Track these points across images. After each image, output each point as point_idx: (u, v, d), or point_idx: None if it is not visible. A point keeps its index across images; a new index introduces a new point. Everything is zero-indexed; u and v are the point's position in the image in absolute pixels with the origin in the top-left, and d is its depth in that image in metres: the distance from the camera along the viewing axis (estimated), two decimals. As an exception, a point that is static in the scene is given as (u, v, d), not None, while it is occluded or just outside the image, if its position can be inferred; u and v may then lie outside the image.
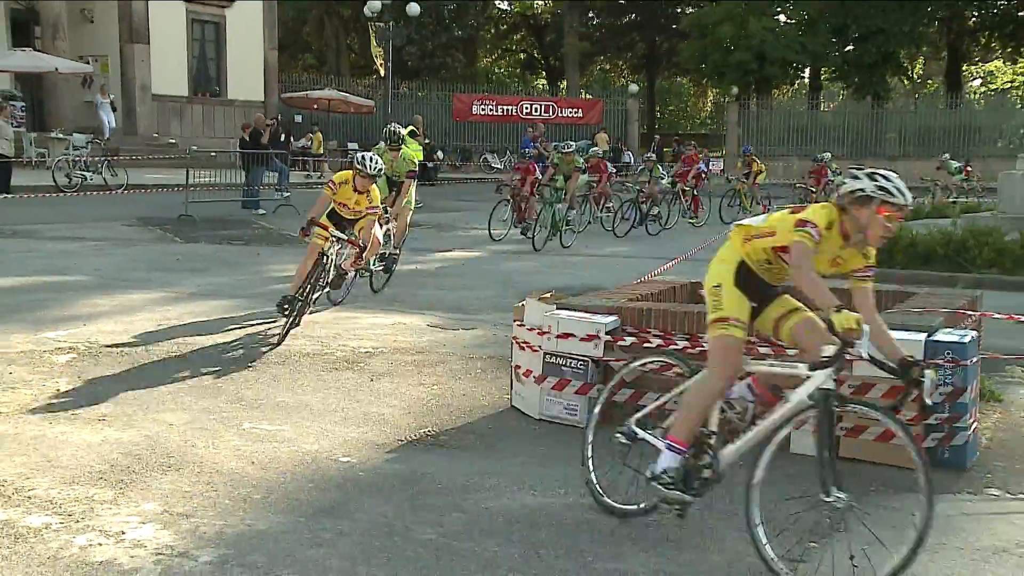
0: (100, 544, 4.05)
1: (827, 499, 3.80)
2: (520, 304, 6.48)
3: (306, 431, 5.68)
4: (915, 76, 51.53)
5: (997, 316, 6.83)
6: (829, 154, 22.54)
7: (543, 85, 57.34)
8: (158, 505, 4.47)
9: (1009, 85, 54.50)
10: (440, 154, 32.06)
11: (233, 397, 6.35)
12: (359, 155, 8.38)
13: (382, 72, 36.32)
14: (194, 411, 5.99)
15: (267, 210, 19.37)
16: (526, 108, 39.56)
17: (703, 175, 21.55)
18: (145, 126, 30.36)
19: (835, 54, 42.44)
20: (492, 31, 55.04)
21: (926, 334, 5.29)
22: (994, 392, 6.62)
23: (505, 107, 39.89)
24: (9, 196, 19.39)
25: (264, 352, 7.57)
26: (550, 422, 5.98)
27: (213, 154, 23.46)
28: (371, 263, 9.74)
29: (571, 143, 18.22)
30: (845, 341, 3.82)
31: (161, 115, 31.26)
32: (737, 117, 39.42)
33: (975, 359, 5.39)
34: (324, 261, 8.23)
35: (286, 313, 7.97)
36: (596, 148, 22.30)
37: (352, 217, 8.67)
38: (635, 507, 4.42)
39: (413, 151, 23.73)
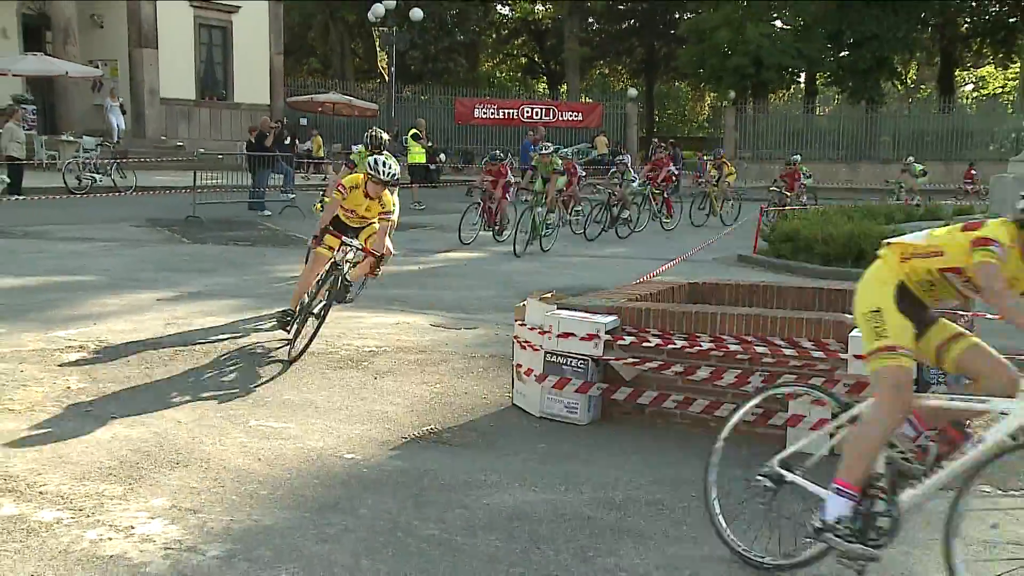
0: (110, 539, 4.05)
1: None
2: (521, 304, 6.49)
3: (311, 428, 5.68)
4: (909, 81, 51.51)
5: (989, 316, 6.82)
6: (799, 156, 22.34)
7: (544, 89, 57.37)
8: (167, 501, 4.48)
9: (1000, 90, 54.54)
10: (442, 157, 32.04)
11: (240, 395, 6.35)
12: (371, 159, 7.63)
13: (386, 76, 36.30)
14: (201, 409, 5.99)
15: (273, 211, 19.37)
16: (527, 112, 39.55)
17: (673, 177, 21.21)
18: (153, 129, 30.38)
19: (830, 59, 42.45)
20: (494, 36, 55.04)
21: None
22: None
23: (506, 111, 39.88)
24: (21, 198, 19.39)
25: (270, 351, 7.57)
26: (551, 420, 5.98)
27: (220, 156, 23.49)
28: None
29: (548, 144, 17.40)
30: None
31: (169, 118, 31.28)
32: (734, 121, 39.40)
33: (967, 358, 5.39)
34: (337, 271, 7.43)
35: (288, 329, 7.51)
36: (594, 150, 22.20)
37: (357, 225, 7.87)
38: (788, 561, 3.92)
39: (416, 153, 23.77)
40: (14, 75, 26.50)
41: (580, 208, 17.62)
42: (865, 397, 5.23)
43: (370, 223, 7.83)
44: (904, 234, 4.09)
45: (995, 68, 54.06)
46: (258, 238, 15.81)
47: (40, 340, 7.63)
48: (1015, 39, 44.79)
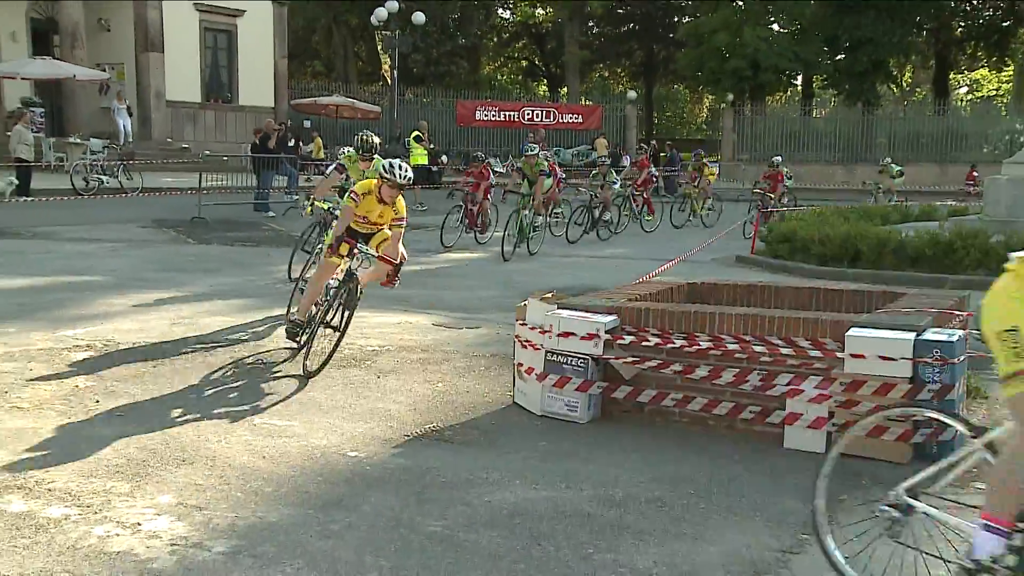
0: (117, 535, 4.06)
1: None
2: (522, 304, 6.49)
3: (315, 426, 5.68)
4: (904, 84, 51.52)
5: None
6: (780, 158, 22.12)
7: (544, 92, 57.32)
8: (173, 498, 4.48)
9: (994, 93, 54.52)
10: (444, 158, 32.04)
11: (244, 394, 6.35)
12: (386, 162, 7.07)
13: (389, 79, 36.30)
14: (207, 407, 5.99)
15: (277, 212, 19.37)
16: (528, 114, 39.54)
17: (653, 179, 20.90)
18: (159, 131, 30.40)
19: (827, 62, 42.43)
20: (495, 39, 55.02)
21: (915, 333, 5.30)
22: (980, 389, 6.62)
23: (507, 113, 39.86)
24: (29, 199, 19.40)
25: (274, 350, 7.57)
26: (551, 418, 5.98)
27: (225, 158, 23.50)
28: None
29: (535, 146, 16.64)
30: None
31: (175, 121, 31.30)
32: (732, 123, 39.38)
33: (963, 357, 5.40)
34: (354, 282, 7.06)
35: (298, 341, 7.22)
36: (594, 152, 22.09)
37: (367, 231, 7.33)
38: None
39: (418, 155, 23.77)
40: (23, 78, 26.53)
41: (560, 211, 17.17)
42: (863, 396, 5.25)
43: (380, 229, 7.32)
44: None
45: (989, 71, 54.08)
46: (262, 239, 15.82)
47: (48, 339, 7.64)
48: (1008, 43, 44.83)
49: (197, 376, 6.74)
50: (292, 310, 8.38)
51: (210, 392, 6.34)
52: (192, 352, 7.45)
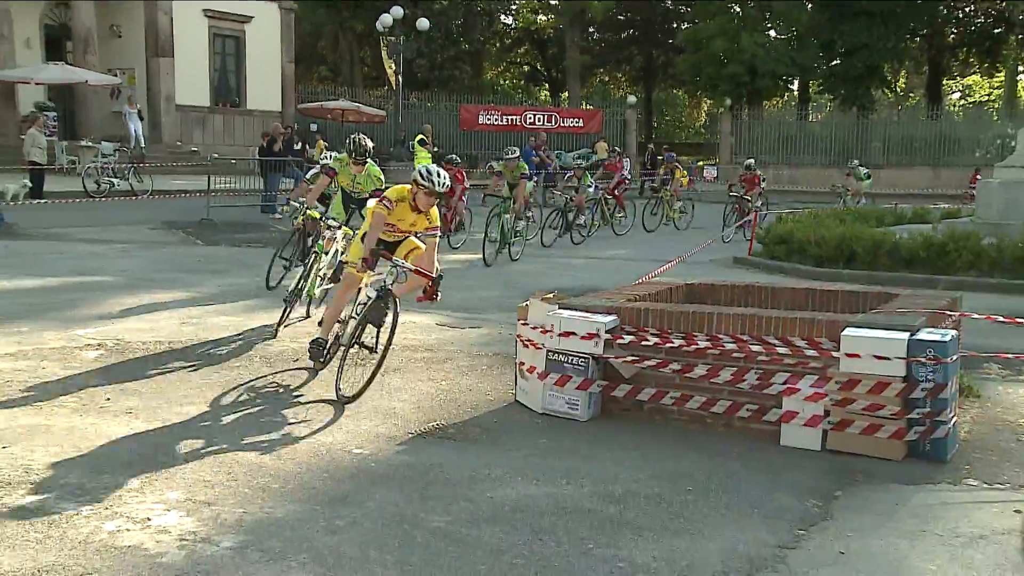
0: (128, 529, 4.06)
1: None
2: (524, 304, 6.48)
3: (321, 424, 5.68)
4: (898, 89, 51.42)
5: (976, 316, 6.82)
6: (754, 161, 21.75)
7: (546, 96, 57.30)
8: (182, 493, 4.48)
9: (986, 98, 54.47)
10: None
11: (251, 392, 6.36)
12: (423, 168, 6.47)
13: (393, 83, 36.27)
14: (215, 405, 6.00)
15: (283, 214, 19.35)
16: (529, 118, 39.47)
17: (625, 181, 20.38)
18: (169, 135, 30.41)
19: (823, 67, 42.41)
20: (497, 45, 54.98)
21: (909, 333, 5.29)
22: (972, 388, 6.62)
23: (510, 117, 39.80)
24: (42, 201, 19.40)
25: (281, 349, 7.57)
26: (552, 416, 5.98)
27: (233, 161, 23.46)
28: (318, 283, 8.44)
29: (515, 148, 15.82)
30: None
31: (184, 124, 31.31)
32: (730, 127, 39.32)
33: (955, 357, 5.39)
34: (388, 298, 6.36)
35: (321, 361, 6.75)
36: (595, 155, 21.81)
37: (394, 239, 6.78)
38: None
39: (423, 158, 23.77)
40: (36, 83, 26.55)
41: (531, 214, 16.14)
42: (858, 395, 5.24)
43: (406, 237, 6.79)
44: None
45: (981, 77, 53.99)
46: (269, 240, 15.80)
47: (61, 338, 7.64)
48: (1000, 50, 44.79)
49: (205, 375, 6.74)
50: (289, 315, 8.32)
51: (218, 390, 6.34)
52: (201, 351, 7.45)
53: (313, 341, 6.82)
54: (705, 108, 60.19)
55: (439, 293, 6.41)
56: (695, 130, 64.10)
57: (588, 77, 55.57)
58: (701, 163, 40.92)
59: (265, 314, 8.96)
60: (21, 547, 3.85)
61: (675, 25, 50.29)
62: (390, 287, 6.35)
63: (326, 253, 8.47)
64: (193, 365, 7.01)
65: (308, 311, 8.87)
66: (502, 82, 58.32)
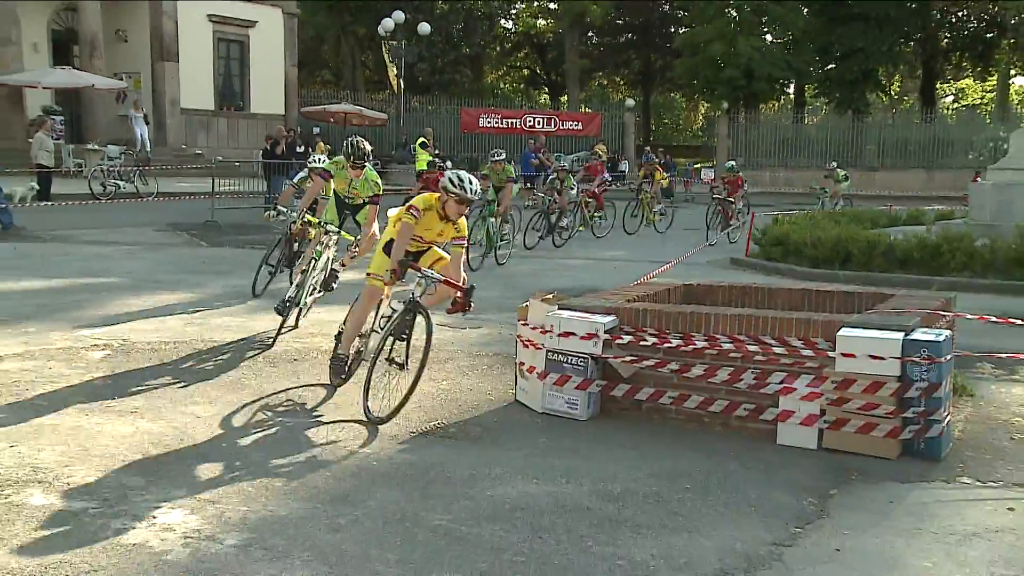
0: (133, 527, 4.05)
1: None
2: (524, 304, 6.48)
3: (324, 423, 5.68)
4: (892, 92, 51.44)
5: (969, 316, 6.82)
6: (734, 163, 21.20)
7: (545, 99, 57.32)
8: (186, 492, 4.47)
9: (979, 102, 54.47)
10: (449, 164, 32.01)
11: (255, 391, 6.35)
12: (453, 175, 5.99)
13: (395, 87, 36.28)
14: (219, 404, 5.99)
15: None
16: (529, 121, 39.48)
17: (606, 183, 19.71)
18: (174, 138, 30.44)
19: (818, 71, 42.46)
20: (498, 49, 55.02)
21: (904, 333, 5.29)
22: (966, 387, 6.62)
23: (510, 120, 39.82)
24: (49, 204, 19.41)
25: (284, 349, 7.57)
26: (552, 416, 5.97)
27: (237, 164, 23.44)
28: (311, 292, 8.05)
29: (500, 151, 14.98)
30: None
31: (189, 128, 31.34)
32: (727, 130, 39.33)
33: (949, 356, 5.39)
34: (418, 311, 5.97)
35: (342, 378, 6.37)
36: (594, 157, 21.50)
37: (417, 250, 6.30)
38: None
39: (424, 161, 23.72)
40: (44, 87, 26.58)
41: (510, 216, 15.53)
42: (853, 394, 5.24)
43: (429, 247, 6.33)
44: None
45: (973, 81, 54.06)
46: (273, 242, 15.79)
47: (67, 339, 7.64)
48: (992, 54, 44.85)
49: (210, 374, 6.74)
50: (289, 322, 8.05)
51: (222, 390, 6.33)
52: (205, 351, 7.44)
53: (334, 357, 6.44)
54: (702, 111, 60.22)
55: (471, 303, 5.92)
56: (693, 133, 64.12)
57: (587, 81, 55.61)
58: (698, 165, 40.89)
59: (268, 315, 8.92)
60: (28, 545, 3.84)
61: (673, 29, 50.33)
62: (418, 299, 5.98)
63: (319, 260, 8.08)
64: (197, 365, 7.00)
65: (296, 321, 8.30)
66: (502, 86, 58.33)
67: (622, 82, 58.95)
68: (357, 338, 6.45)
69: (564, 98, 50.36)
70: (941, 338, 5.28)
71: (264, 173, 20.87)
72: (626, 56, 54.26)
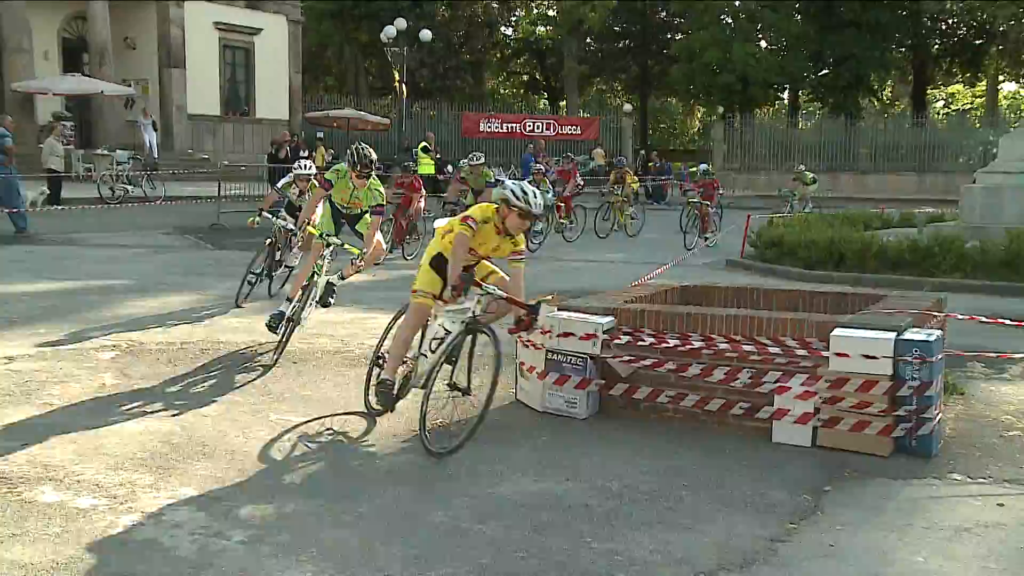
0: (142, 524, 4.06)
1: None
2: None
3: (328, 422, 5.67)
4: (885, 97, 51.42)
5: (960, 316, 6.83)
6: (706, 166, 20.78)
7: (544, 104, 57.26)
8: (194, 489, 4.48)
9: (969, 106, 54.46)
10: (450, 168, 32.02)
11: (262, 391, 6.35)
12: (516, 187, 5.36)
13: (400, 92, 36.25)
14: (226, 404, 5.99)
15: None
16: (529, 126, 39.46)
17: (578, 187, 19.14)
18: (181, 143, 30.44)
19: (812, 77, 42.45)
20: (498, 55, 54.97)
21: (896, 333, 5.29)
22: (957, 386, 6.61)
23: (510, 125, 39.80)
24: (59, 207, 19.42)
25: (290, 350, 7.56)
26: (552, 414, 5.97)
27: (243, 168, 23.48)
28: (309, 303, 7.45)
29: (480, 154, 14.49)
30: None
31: (196, 133, 31.34)
32: (722, 134, 39.32)
33: (940, 356, 5.39)
34: (480, 329, 5.40)
35: (391, 407, 5.62)
36: (592, 161, 21.36)
37: (466, 264, 5.54)
38: None
39: (426, 165, 23.67)
40: (54, 94, 26.59)
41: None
42: (847, 393, 5.24)
43: (479, 261, 5.64)
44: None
45: (964, 86, 54.02)
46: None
47: (77, 340, 7.64)
48: (982, 60, 44.85)
49: (217, 375, 6.75)
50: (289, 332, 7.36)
51: (229, 390, 6.34)
52: (212, 352, 7.44)
53: (380, 383, 5.56)
54: (699, 116, 60.18)
55: (537, 322, 5.42)
56: (689, 137, 64.07)
57: (585, 86, 55.57)
58: (693, 169, 40.86)
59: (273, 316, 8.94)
60: (40, 541, 3.85)
61: (669, 36, 50.30)
62: (478, 317, 5.38)
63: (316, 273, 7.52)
64: (205, 365, 7.00)
65: (289, 337, 7.38)
66: (502, 91, 58.32)
67: (620, 87, 58.90)
68: (402, 363, 5.66)
69: (563, 103, 50.34)
70: (932, 338, 5.28)
71: (269, 177, 20.89)
72: (624, 62, 54.21)
